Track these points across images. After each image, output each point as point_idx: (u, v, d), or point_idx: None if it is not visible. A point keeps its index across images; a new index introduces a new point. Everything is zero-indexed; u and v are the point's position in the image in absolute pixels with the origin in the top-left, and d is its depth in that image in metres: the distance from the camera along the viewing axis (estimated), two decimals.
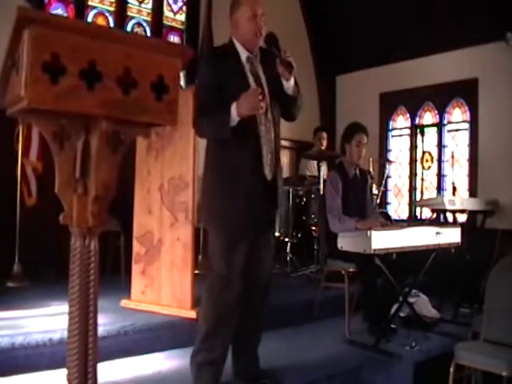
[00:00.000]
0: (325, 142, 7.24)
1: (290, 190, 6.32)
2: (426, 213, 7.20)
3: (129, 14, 6.81)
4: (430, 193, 7.73)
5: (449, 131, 7.76)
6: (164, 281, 4.20)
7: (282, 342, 3.87)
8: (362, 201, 4.70)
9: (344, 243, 4.02)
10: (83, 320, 1.71)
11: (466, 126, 7.49)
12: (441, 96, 7.74)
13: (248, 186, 2.95)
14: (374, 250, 3.74)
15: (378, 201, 6.93)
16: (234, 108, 2.80)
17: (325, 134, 7.31)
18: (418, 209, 7.92)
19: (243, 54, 3.03)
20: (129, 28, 6.76)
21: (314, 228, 6.33)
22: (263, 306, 3.27)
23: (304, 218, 6.39)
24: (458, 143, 7.60)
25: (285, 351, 3.77)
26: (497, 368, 3.15)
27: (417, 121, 8.16)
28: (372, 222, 4.25)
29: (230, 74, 2.95)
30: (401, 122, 8.44)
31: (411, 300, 4.66)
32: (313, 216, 6.30)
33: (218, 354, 3.03)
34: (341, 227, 4.24)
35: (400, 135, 8.44)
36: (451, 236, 4.36)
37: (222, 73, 2.94)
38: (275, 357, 3.38)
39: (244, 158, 2.96)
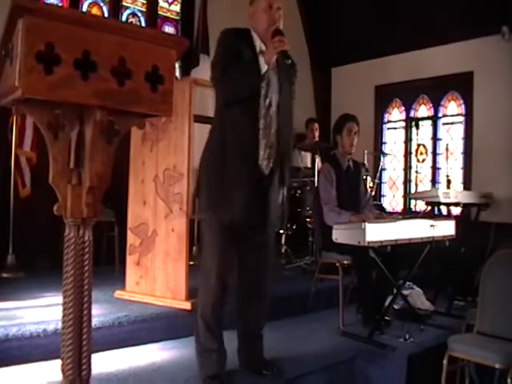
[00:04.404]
0: (317, 134, 7.24)
1: None
2: (421, 205, 7.21)
3: (123, 3, 6.78)
4: (425, 185, 7.74)
5: (444, 124, 7.77)
6: (158, 272, 4.20)
7: (277, 334, 3.87)
8: (356, 192, 4.71)
9: (339, 235, 4.02)
10: (77, 311, 1.71)
11: (461, 119, 7.51)
12: (436, 89, 7.74)
13: (243, 177, 2.95)
14: (369, 242, 3.74)
15: (373, 193, 6.94)
16: (260, 58, 2.89)
17: (317, 125, 7.31)
18: (412, 201, 7.95)
19: (258, 44, 3.03)
20: (123, 18, 6.72)
21: (308, 220, 6.34)
22: (265, 298, 3.29)
23: (299, 209, 6.39)
24: (452, 136, 7.61)
25: (279, 342, 3.77)
26: (490, 360, 3.17)
27: (412, 114, 8.17)
28: (365, 215, 4.26)
29: (244, 52, 2.95)
30: (396, 114, 8.44)
31: (405, 292, 4.67)
32: (308, 208, 6.30)
33: (217, 343, 3.07)
34: (337, 220, 4.24)
35: (395, 128, 8.44)
36: (445, 229, 4.37)
37: (237, 48, 2.94)
38: (270, 348, 3.37)
39: (241, 148, 2.96)
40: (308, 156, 7.01)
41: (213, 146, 3.06)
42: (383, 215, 4.64)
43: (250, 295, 3.23)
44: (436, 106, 7.83)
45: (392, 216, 4.81)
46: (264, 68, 2.89)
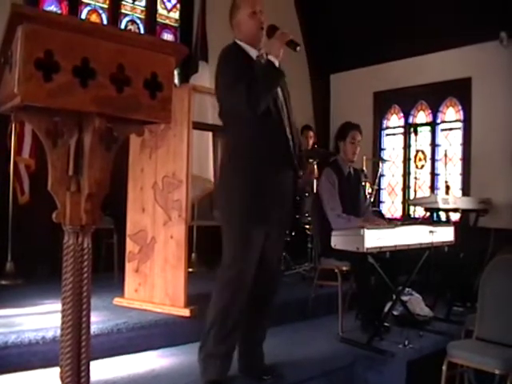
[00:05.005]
0: (311, 142, 7.23)
1: None
2: (420, 211, 7.21)
3: (122, 11, 6.78)
4: (424, 192, 7.74)
5: (442, 130, 7.77)
6: (157, 279, 4.19)
7: (277, 340, 3.86)
8: (356, 199, 4.72)
9: (337, 241, 4.02)
10: (76, 318, 1.71)
11: (460, 125, 7.51)
12: (434, 95, 7.75)
13: (277, 177, 3.06)
14: (368, 248, 3.75)
15: (372, 199, 6.94)
16: (269, 57, 2.93)
17: (312, 133, 7.31)
18: (411, 207, 7.94)
19: (252, 53, 3.10)
20: (122, 25, 6.73)
21: (307, 226, 6.33)
22: (270, 303, 3.32)
23: (298, 216, 6.38)
24: (451, 142, 7.62)
25: (279, 348, 3.77)
26: (489, 366, 3.16)
27: (410, 120, 8.17)
28: (378, 221, 4.29)
29: (246, 66, 3.00)
30: (394, 120, 8.45)
31: (404, 298, 4.67)
32: (306, 214, 6.30)
33: (225, 348, 3.06)
34: (346, 226, 4.22)
35: (394, 134, 8.44)
36: (444, 235, 4.37)
37: (241, 63, 3.00)
38: (269, 354, 3.37)
39: (274, 149, 3.04)
40: None
41: (239, 156, 3.07)
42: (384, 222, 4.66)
43: (256, 300, 3.22)
44: (434, 112, 7.83)
45: (391, 222, 4.80)
46: (277, 64, 2.93)
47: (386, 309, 4.34)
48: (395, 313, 4.57)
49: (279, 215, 3.11)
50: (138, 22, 6.97)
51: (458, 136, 7.53)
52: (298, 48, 2.98)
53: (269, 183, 3.02)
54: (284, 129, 3.09)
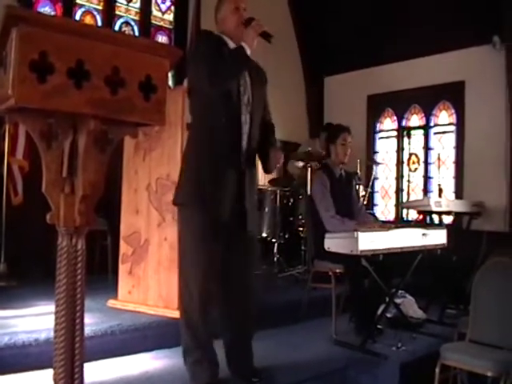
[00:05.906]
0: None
1: (278, 190, 6.31)
2: (413, 214, 7.24)
3: (117, 12, 6.79)
4: (417, 195, 7.77)
5: (435, 133, 7.81)
6: (151, 281, 4.19)
7: (269, 342, 3.87)
8: (348, 200, 4.73)
9: (331, 244, 4.03)
10: (70, 320, 1.71)
11: (453, 128, 7.54)
12: (428, 98, 7.79)
13: (224, 170, 3.01)
14: (361, 251, 3.75)
15: (365, 202, 6.95)
16: (243, 44, 2.94)
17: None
18: (404, 210, 7.96)
19: (231, 46, 3.09)
20: (117, 27, 6.73)
21: (301, 229, 6.34)
22: (249, 302, 3.28)
23: (291, 218, 6.39)
24: (444, 145, 7.65)
25: (272, 351, 3.77)
26: (482, 368, 3.17)
27: (404, 123, 8.20)
28: (371, 224, 4.30)
29: (223, 51, 3.01)
30: (388, 124, 8.48)
31: (398, 301, 4.68)
32: (300, 217, 6.30)
33: (206, 349, 3.04)
34: (341, 227, 4.22)
35: (387, 137, 8.47)
36: (437, 237, 4.38)
37: (217, 47, 3.00)
38: (262, 357, 3.36)
39: (225, 141, 3.02)
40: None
41: (196, 144, 3.10)
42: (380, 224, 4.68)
43: (234, 299, 3.20)
44: (428, 116, 7.87)
45: (384, 225, 4.81)
46: (248, 52, 2.93)
47: (380, 311, 4.35)
48: (388, 315, 4.58)
49: (238, 211, 3.04)
50: (133, 23, 6.97)
51: (450, 139, 7.57)
52: (271, 40, 2.99)
53: (219, 172, 3.00)
54: (239, 120, 3.05)
